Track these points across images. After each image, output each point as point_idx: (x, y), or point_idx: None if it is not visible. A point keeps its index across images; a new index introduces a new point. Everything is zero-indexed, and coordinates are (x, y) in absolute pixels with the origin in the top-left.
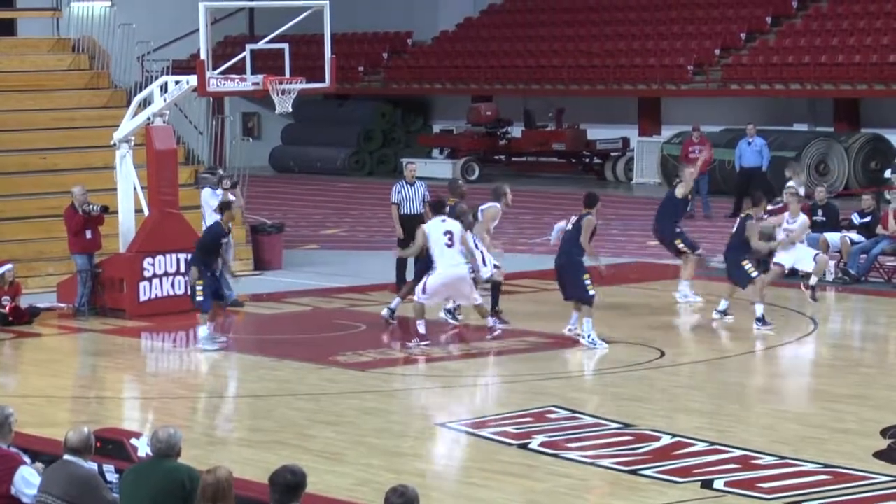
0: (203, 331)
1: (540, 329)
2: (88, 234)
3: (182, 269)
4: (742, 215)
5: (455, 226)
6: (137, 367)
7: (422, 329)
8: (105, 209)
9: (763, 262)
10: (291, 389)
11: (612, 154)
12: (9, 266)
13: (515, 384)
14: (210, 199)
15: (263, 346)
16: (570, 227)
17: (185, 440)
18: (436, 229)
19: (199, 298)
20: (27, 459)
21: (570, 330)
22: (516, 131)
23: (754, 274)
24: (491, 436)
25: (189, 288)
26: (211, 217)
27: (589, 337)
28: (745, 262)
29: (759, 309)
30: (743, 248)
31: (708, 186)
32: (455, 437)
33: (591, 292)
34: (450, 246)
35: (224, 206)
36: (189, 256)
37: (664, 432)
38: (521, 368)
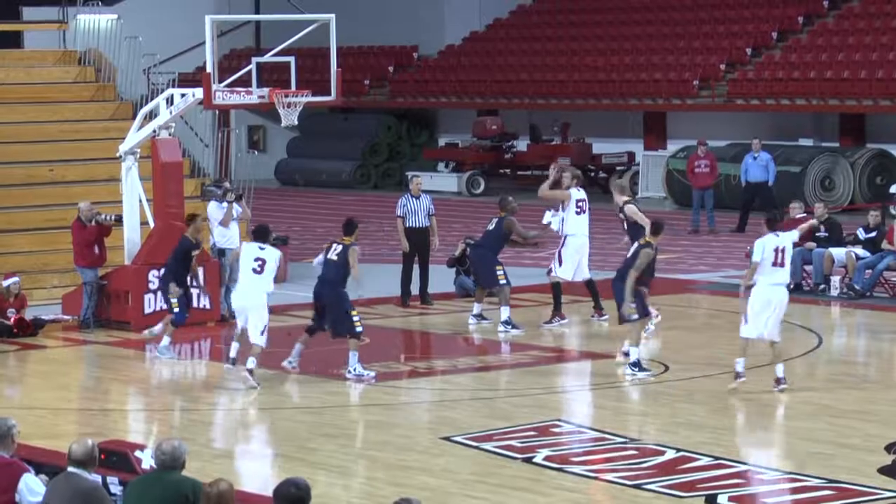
0: (166, 340)
1: (544, 343)
2: (96, 249)
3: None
4: None
5: (272, 256)
6: (142, 379)
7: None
8: (119, 219)
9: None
10: (295, 402)
11: (618, 168)
12: (15, 279)
13: (520, 398)
14: (215, 212)
15: (267, 359)
16: (334, 256)
17: (188, 452)
18: (249, 254)
19: (176, 310)
20: (31, 469)
21: (289, 363)
22: (522, 145)
23: None
24: (495, 449)
25: (166, 302)
26: (217, 230)
27: (355, 370)
28: None
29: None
30: None
31: (713, 201)
32: (459, 451)
33: (359, 328)
34: (257, 272)
35: (189, 219)
36: (162, 271)
37: (669, 447)
38: (526, 382)
